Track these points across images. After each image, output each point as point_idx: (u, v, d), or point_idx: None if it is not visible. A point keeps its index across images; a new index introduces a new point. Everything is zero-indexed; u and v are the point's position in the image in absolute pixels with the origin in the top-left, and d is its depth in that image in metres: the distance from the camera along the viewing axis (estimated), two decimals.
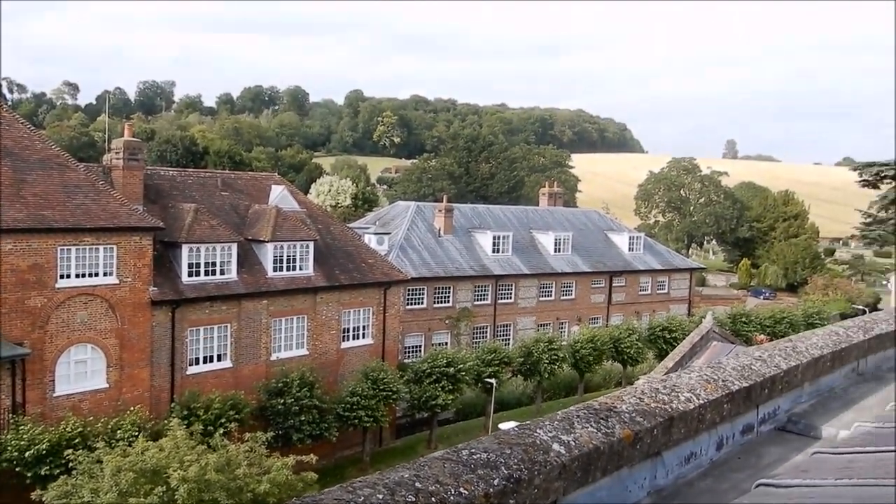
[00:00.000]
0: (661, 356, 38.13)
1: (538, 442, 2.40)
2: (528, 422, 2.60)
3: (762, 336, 37.63)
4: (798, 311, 47.51)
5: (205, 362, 27.29)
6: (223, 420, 23.35)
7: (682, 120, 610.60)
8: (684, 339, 27.95)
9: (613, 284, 53.50)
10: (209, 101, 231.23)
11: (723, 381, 3.39)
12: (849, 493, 2.45)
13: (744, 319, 43.57)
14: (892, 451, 2.87)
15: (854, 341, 4.63)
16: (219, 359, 27.65)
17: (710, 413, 3.19)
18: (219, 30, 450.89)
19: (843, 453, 3.05)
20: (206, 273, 27.26)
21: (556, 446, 2.41)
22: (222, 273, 27.74)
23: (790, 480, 2.70)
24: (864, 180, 61.02)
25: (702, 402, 3.11)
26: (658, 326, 42.15)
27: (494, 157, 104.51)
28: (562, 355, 36.56)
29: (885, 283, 62.42)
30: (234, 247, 28.02)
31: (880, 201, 64.25)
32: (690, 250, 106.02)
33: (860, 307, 55.70)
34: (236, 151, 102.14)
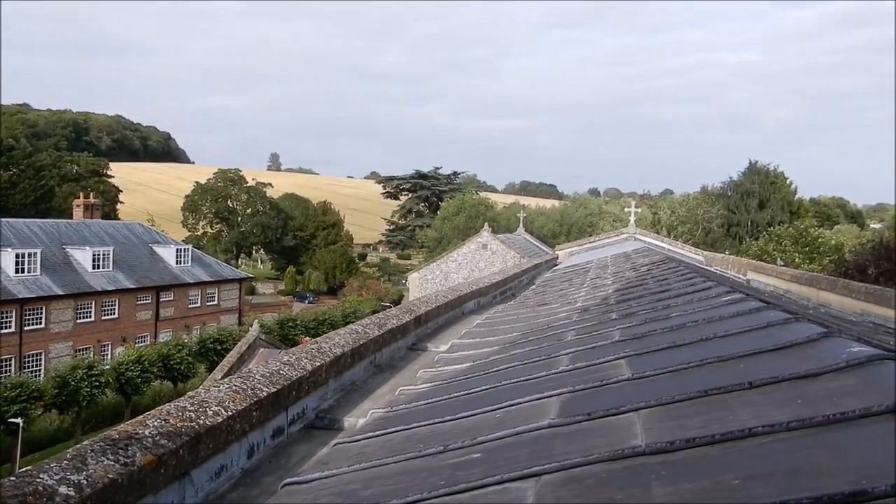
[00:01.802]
0: (212, 368, 37.76)
1: (41, 488, 2.14)
2: (29, 467, 2.30)
3: (306, 338, 39.99)
4: (338, 312, 51.82)
5: None
6: None
7: (228, 131, 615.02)
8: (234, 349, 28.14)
9: (161, 300, 51.26)
10: None
11: (252, 388, 3.48)
12: (361, 476, 2.71)
13: (290, 324, 45.82)
14: (398, 432, 3.27)
15: (371, 336, 5.18)
16: None
17: (240, 423, 3.24)
18: None
19: (358, 440, 3.37)
20: None
21: (63, 489, 2.17)
22: None
23: (313, 474, 2.87)
24: (386, 192, 69.00)
25: (230, 413, 3.14)
26: (209, 339, 41.77)
27: (16, 164, 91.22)
28: (104, 380, 33.70)
29: (404, 282, 71.98)
30: None
31: (400, 210, 73.33)
32: (240, 260, 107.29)
33: (387, 304, 63.03)
34: None
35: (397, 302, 67.63)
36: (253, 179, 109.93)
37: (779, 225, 54.84)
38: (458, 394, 3.71)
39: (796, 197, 67.60)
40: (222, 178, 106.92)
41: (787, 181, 66.51)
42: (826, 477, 1.45)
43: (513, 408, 3.00)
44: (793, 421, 1.85)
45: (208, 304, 55.73)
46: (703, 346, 3.28)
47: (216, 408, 3.11)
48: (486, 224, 47.57)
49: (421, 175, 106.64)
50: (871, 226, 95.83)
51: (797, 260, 42.13)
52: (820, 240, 47.84)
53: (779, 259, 36.95)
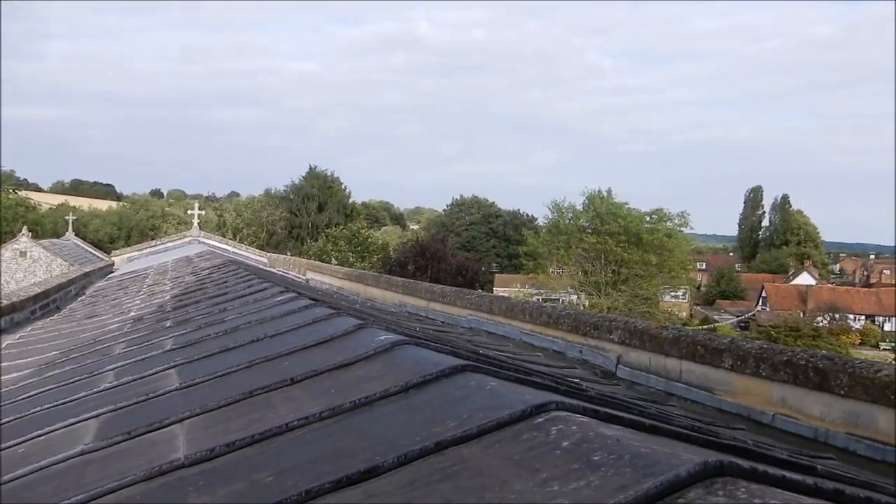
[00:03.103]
0: None
1: None
2: None
3: None
4: None
5: None
6: None
7: None
8: None
9: None
10: None
11: None
12: None
13: None
14: None
15: None
16: None
17: None
18: None
19: None
20: None
21: None
22: None
23: None
24: None
25: None
26: None
27: None
28: None
29: None
30: None
31: None
32: None
33: None
34: None
35: None
36: None
37: (335, 226, 59.04)
38: None
39: (350, 200, 73.59)
40: None
41: (343, 186, 72.06)
42: (348, 458, 1.57)
43: (42, 438, 2.65)
44: (325, 410, 1.97)
45: None
46: (253, 348, 3.32)
47: None
48: (26, 228, 41.68)
49: None
50: (411, 227, 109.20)
51: (351, 259, 45.91)
52: (370, 240, 52.91)
53: (333, 259, 39.84)
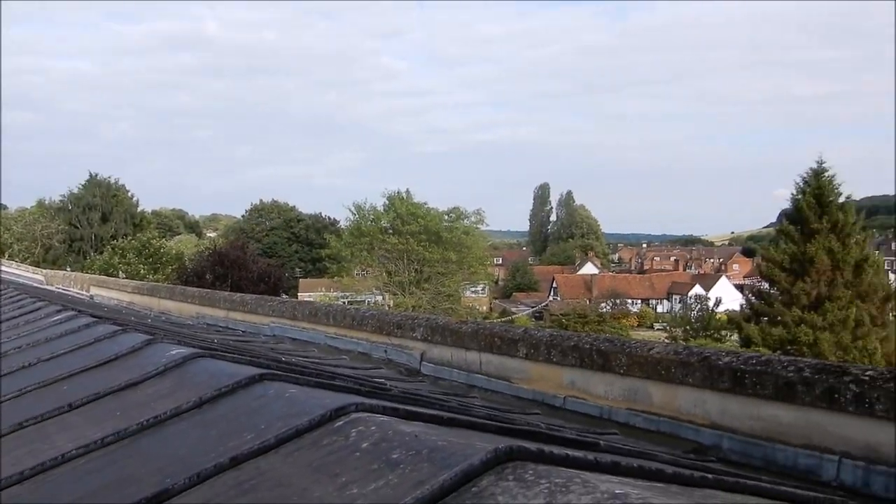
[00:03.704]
0: None
1: None
2: None
3: None
4: None
5: None
6: None
7: None
8: None
9: None
10: None
11: None
12: None
13: None
14: None
15: None
16: None
17: None
18: None
19: None
20: None
21: None
22: None
23: None
24: None
25: None
26: None
27: None
28: None
29: None
30: None
31: None
32: None
33: None
34: None
35: None
36: None
37: (123, 238, 54.93)
38: None
39: (139, 209, 68.79)
40: None
41: (130, 194, 67.17)
42: (135, 485, 1.46)
43: None
44: (109, 435, 1.82)
45: None
46: (24, 374, 2.99)
47: None
48: None
49: None
50: (208, 234, 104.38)
51: (142, 271, 42.93)
52: (163, 250, 49.76)
53: (121, 272, 37.04)
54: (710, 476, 1.37)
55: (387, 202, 48.91)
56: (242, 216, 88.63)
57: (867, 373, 2.61)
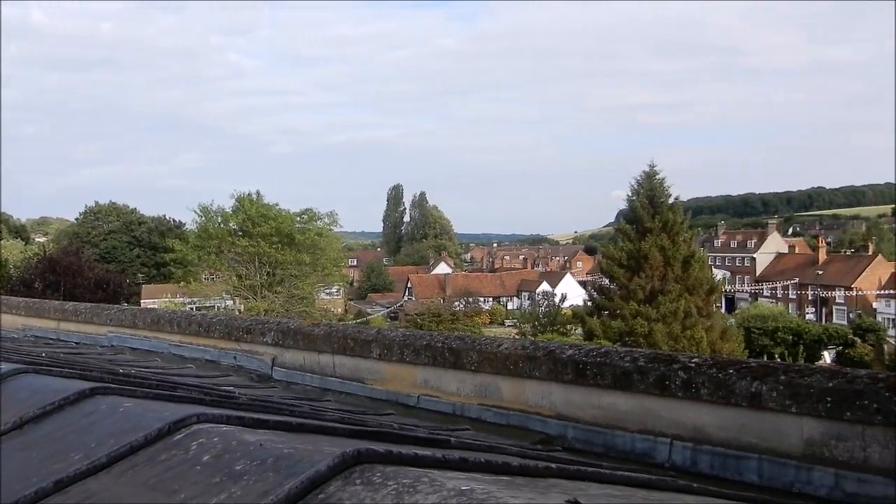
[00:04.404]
0: None
1: None
2: None
3: None
4: None
5: None
6: None
7: None
8: None
9: None
10: None
11: None
12: None
13: None
14: None
15: None
16: None
17: None
18: None
19: None
20: None
21: None
22: None
23: None
24: None
25: None
26: None
27: None
28: None
29: None
30: None
31: None
32: None
33: None
34: None
35: None
36: None
37: None
38: None
39: None
40: None
41: None
42: None
43: None
44: None
45: None
46: None
47: None
48: None
49: None
50: (37, 240, 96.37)
51: None
52: None
53: None
54: (553, 466, 1.42)
55: (236, 203, 47.27)
56: (76, 219, 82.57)
57: (693, 360, 2.82)
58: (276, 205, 47.57)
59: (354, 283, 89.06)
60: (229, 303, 47.00)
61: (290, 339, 4.87)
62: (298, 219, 47.72)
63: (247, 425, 1.45)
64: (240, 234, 45.93)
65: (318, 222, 48.17)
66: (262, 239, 44.11)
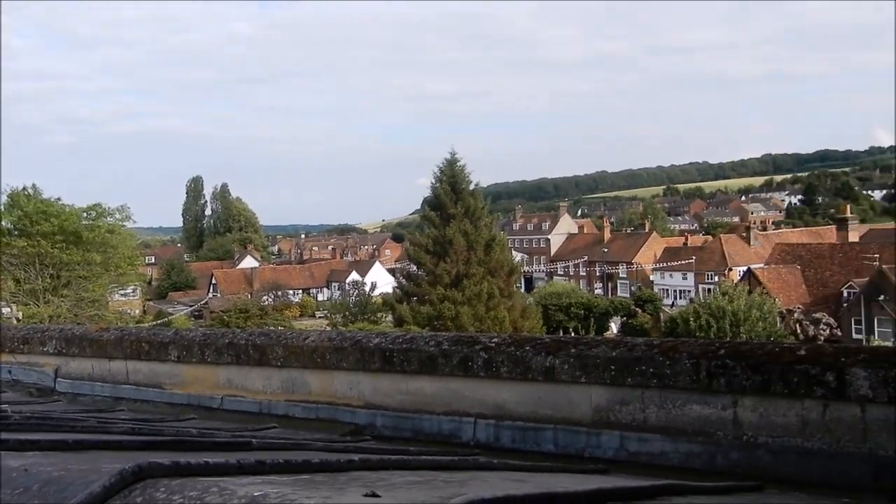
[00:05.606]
0: None
1: None
2: None
3: None
4: None
5: None
6: None
7: None
8: None
9: None
10: None
11: None
12: None
13: None
14: None
15: None
16: None
17: None
18: None
19: None
20: None
21: None
22: None
23: None
24: None
25: None
26: None
27: None
28: None
29: None
30: None
31: None
32: None
33: None
34: None
35: None
36: None
37: None
38: None
39: None
40: None
41: None
42: None
43: None
44: None
45: None
46: None
47: None
48: None
49: None
50: None
51: None
52: None
53: None
54: (356, 458, 1.41)
55: (9, 200, 42.52)
56: None
57: (493, 340, 2.94)
58: (59, 200, 43.48)
59: (153, 282, 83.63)
60: (6, 310, 42.30)
61: (76, 346, 4.46)
62: (85, 215, 43.93)
63: (12, 448, 1.30)
64: (15, 233, 41.46)
65: (109, 218, 44.65)
66: (42, 238, 40.10)
